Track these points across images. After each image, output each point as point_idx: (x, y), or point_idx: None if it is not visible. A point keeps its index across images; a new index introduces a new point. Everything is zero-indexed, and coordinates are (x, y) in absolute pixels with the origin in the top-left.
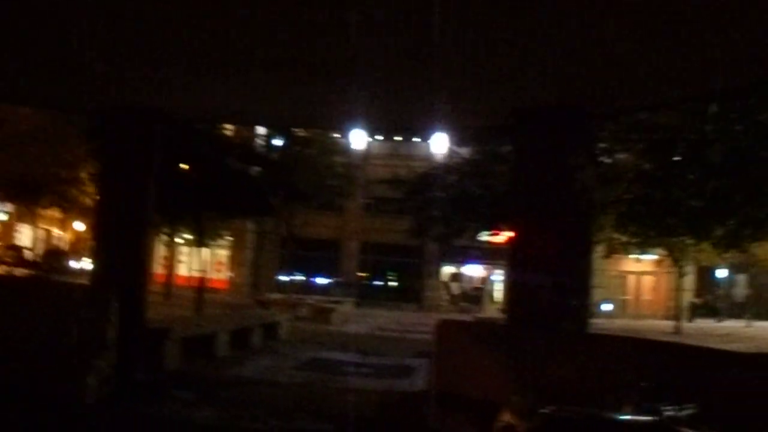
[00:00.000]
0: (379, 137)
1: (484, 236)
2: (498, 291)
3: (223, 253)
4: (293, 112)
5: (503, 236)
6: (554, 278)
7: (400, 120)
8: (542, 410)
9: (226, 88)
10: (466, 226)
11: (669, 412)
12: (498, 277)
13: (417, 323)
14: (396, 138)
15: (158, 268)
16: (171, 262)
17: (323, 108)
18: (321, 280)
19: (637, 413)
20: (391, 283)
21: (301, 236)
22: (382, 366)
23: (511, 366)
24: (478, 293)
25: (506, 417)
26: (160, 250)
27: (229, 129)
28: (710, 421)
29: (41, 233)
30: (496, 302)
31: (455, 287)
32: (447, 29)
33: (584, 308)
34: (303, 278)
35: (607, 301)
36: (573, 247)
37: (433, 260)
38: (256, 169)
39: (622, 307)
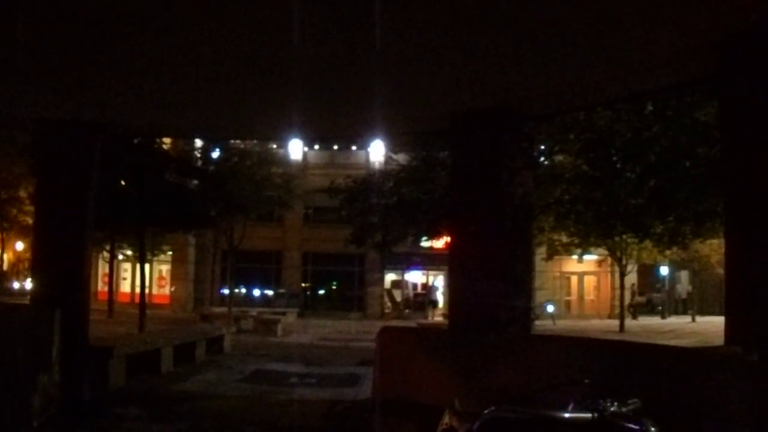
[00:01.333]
0: (317, 146)
1: (426, 242)
2: (441, 296)
3: (164, 268)
4: (229, 123)
5: (443, 241)
6: (495, 281)
7: (338, 128)
8: (484, 411)
9: (162, 100)
10: (406, 232)
11: (612, 408)
12: (440, 282)
13: (361, 331)
14: (334, 147)
15: (100, 286)
16: (113, 278)
17: (259, 118)
18: (264, 292)
19: (579, 410)
20: (334, 293)
21: (242, 248)
22: (327, 375)
23: (454, 370)
24: (421, 299)
25: (447, 420)
26: (101, 267)
27: (167, 142)
28: (654, 416)
29: None
30: (440, 308)
31: (398, 294)
32: (384, 35)
33: (526, 310)
34: (246, 290)
35: (549, 302)
36: (513, 250)
37: (375, 268)
38: (194, 182)
39: (565, 308)
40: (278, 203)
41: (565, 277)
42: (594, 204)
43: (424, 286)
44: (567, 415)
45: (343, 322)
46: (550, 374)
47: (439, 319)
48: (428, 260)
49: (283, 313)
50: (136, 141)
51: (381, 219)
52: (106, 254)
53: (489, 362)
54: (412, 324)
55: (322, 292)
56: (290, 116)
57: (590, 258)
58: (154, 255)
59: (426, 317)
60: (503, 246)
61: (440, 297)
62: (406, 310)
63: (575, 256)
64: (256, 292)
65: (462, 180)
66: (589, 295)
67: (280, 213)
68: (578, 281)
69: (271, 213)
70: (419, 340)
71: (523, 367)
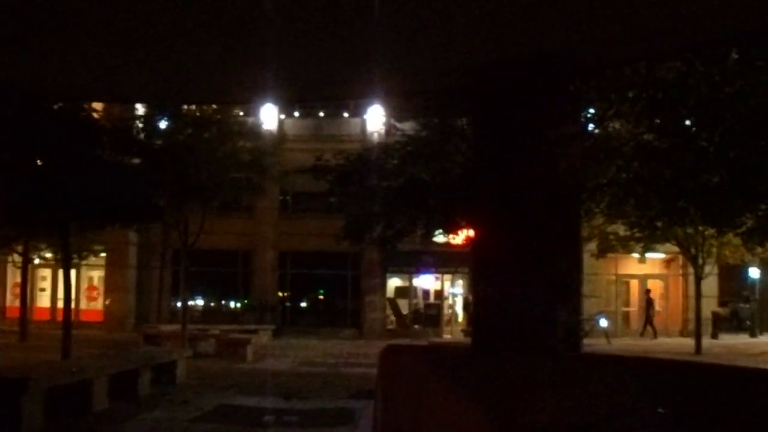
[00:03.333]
0: (297, 113)
1: (440, 237)
2: (460, 307)
3: (97, 275)
4: (182, 82)
5: (463, 236)
6: (532, 286)
7: (324, 86)
8: None
9: (91, 52)
10: (414, 224)
11: None
12: (459, 289)
13: (356, 353)
14: (319, 113)
15: (9, 299)
16: (27, 290)
17: (223, 75)
18: (229, 304)
19: None
20: (321, 304)
21: (200, 247)
22: (313, 412)
23: (481, 401)
24: (434, 311)
25: None
26: (11, 275)
27: (98, 109)
28: None
29: None
30: (459, 322)
31: (404, 305)
32: None
33: (574, 324)
34: (205, 302)
35: (602, 314)
36: (555, 246)
37: (375, 271)
38: (135, 161)
39: (623, 321)
40: (247, 187)
41: (623, 281)
42: (660, 184)
43: (439, 294)
44: None
45: (332, 342)
46: (609, 405)
47: (458, 337)
48: (443, 260)
49: (254, 332)
50: (56, 107)
51: (382, 207)
52: (17, 258)
53: (527, 391)
54: (423, 343)
55: (305, 303)
56: (262, 70)
57: (655, 256)
58: (82, 258)
59: (441, 334)
60: (543, 240)
61: (459, 308)
62: (415, 326)
63: (636, 254)
64: (219, 305)
65: (488, 155)
66: (655, 304)
67: (249, 200)
68: (640, 287)
69: (238, 200)
70: (434, 362)
71: (574, 396)
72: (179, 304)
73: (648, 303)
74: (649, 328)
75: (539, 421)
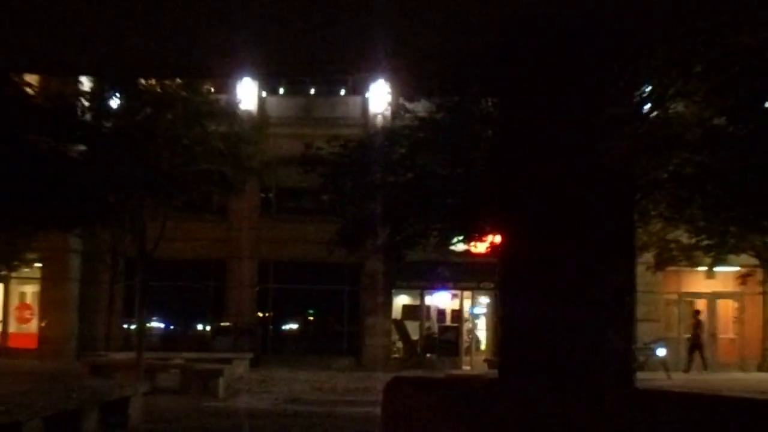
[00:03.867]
0: (282, 90)
1: (459, 245)
2: (484, 331)
3: (30, 291)
4: (136, 50)
5: (488, 243)
6: (574, 307)
7: (317, 51)
8: None
9: (18, 11)
10: (427, 228)
11: None
12: (482, 309)
13: (354, 388)
14: (309, 91)
15: None
16: None
17: (189, 40)
18: (196, 327)
19: None
20: (311, 327)
21: (161, 257)
22: None
23: None
24: (450, 336)
25: None
26: None
27: (33, 83)
28: None
29: None
30: (482, 350)
31: (414, 329)
32: None
33: (625, 354)
34: (166, 325)
35: (661, 342)
36: (603, 256)
37: (378, 287)
38: (79, 148)
39: (686, 350)
40: (220, 182)
41: (687, 300)
42: (734, 180)
43: (457, 315)
44: None
45: (325, 374)
46: None
47: (475, 367)
48: (463, 274)
49: (228, 361)
50: None
51: (387, 207)
52: None
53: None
54: (437, 375)
55: (291, 326)
56: (238, 31)
57: (728, 270)
58: (11, 269)
59: (459, 365)
60: (588, 249)
61: (482, 332)
62: (428, 355)
63: (703, 268)
64: (184, 328)
65: (518, 142)
66: (727, 331)
67: (223, 198)
68: (708, 308)
69: (209, 198)
70: (451, 400)
71: None
72: (134, 327)
73: (696, 327)
74: (696, 356)
75: None
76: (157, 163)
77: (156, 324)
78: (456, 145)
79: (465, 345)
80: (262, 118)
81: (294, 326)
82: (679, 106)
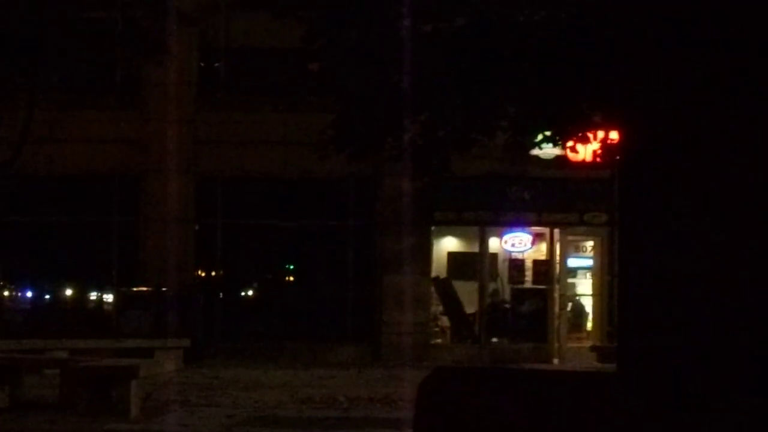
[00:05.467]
0: None
1: (545, 147)
2: (589, 298)
3: None
4: None
5: (596, 144)
6: (751, 255)
7: None
8: None
9: None
10: (491, 115)
11: None
12: (587, 260)
13: (367, 397)
14: None
15: None
16: None
17: None
18: (90, 296)
19: None
20: (289, 294)
21: (28, 172)
22: None
23: None
24: (533, 306)
25: None
26: None
27: None
28: None
29: None
30: (587, 330)
31: (470, 294)
32: None
33: None
34: (38, 291)
35: None
36: None
37: (405, 222)
38: None
39: None
40: (127, 40)
41: None
42: None
43: (543, 269)
44: None
45: (315, 374)
46: None
47: (576, 357)
48: (553, 197)
49: (147, 353)
50: None
51: (421, 77)
52: None
53: None
54: (511, 368)
55: (255, 292)
56: None
57: None
58: None
59: (550, 354)
60: None
61: (587, 301)
62: (494, 339)
63: None
64: (72, 296)
65: None
66: None
67: (133, 70)
68: None
69: (109, 72)
70: (538, 409)
71: None
72: None
73: None
74: None
75: None
76: (16, 6)
77: (19, 292)
78: None
79: (558, 322)
80: None
81: (260, 292)
82: None
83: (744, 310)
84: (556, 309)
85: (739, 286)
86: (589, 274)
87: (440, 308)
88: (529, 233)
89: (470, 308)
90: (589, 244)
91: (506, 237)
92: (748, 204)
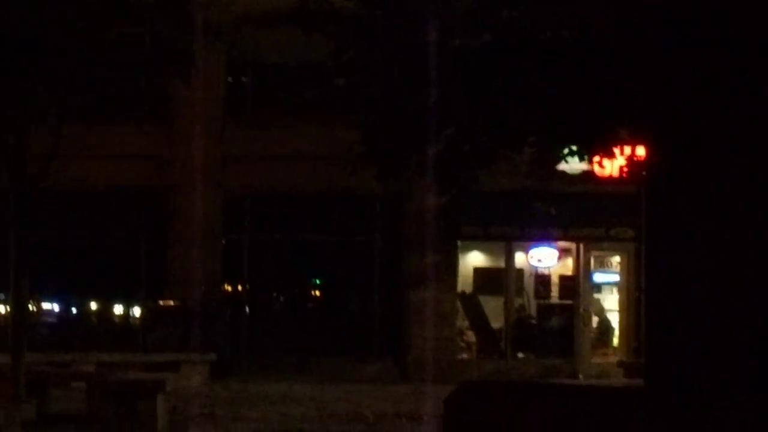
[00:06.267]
0: None
1: (571, 162)
2: (616, 313)
3: None
4: None
5: (623, 161)
6: None
7: None
8: None
9: None
10: (518, 132)
11: None
12: (613, 275)
13: (393, 413)
14: None
15: None
16: None
17: None
18: (118, 310)
19: None
20: (315, 308)
21: (55, 189)
22: None
23: None
24: (559, 322)
25: None
26: None
27: None
28: None
29: None
30: (614, 345)
31: (496, 310)
32: None
33: None
34: (65, 305)
35: None
36: None
37: (431, 237)
38: None
39: None
40: (154, 57)
41: None
42: None
43: (570, 284)
44: None
45: (343, 389)
46: None
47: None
48: (579, 212)
49: (174, 367)
50: None
51: (448, 93)
52: None
53: None
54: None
55: (281, 307)
56: None
57: None
58: None
59: (576, 369)
60: None
61: (614, 316)
62: (519, 354)
63: None
64: (99, 311)
65: None
66: None
67: (161, 88)
68: None
69: (137, 90)
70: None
71: None
72: (5, 310)
73: None
74: None
75: None
76: (43, 25)
77: (47, 305)
78: None
79: (585, 337)
80: None
81: (286, 307)
82: None
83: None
84: (582, 324)
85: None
86: (615, 290)
87: (466, 323)
88: (555, 248)
89: (496, 323)
90: (616, 259)
91: (532, 252)
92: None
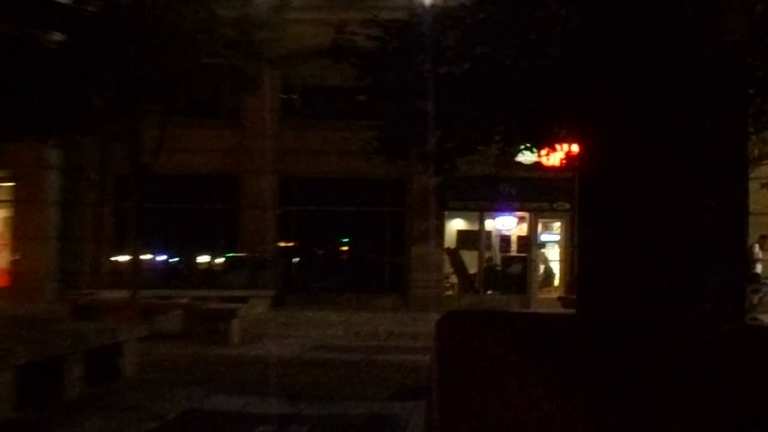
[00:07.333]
0: None
1: (526, 155)
2: (557, 263)
3: None
4: None
5: (562, 153)
6: (673, 232)
7: None
8: None
9: None
10: (487, 133)
11: None
12: (556, 236)
13: (399, 332)
14: None
15: None
16: None
17: None
18: (203, 259)
19: None
20: (345, 259)
21: (160, 173)
22: (335, 419)
23: (586, 397)
24: (517, 269)
25: None
26: None
27: None
28: None
29: None
30: (555, 286)
31: (472, 260)
32: None
33: (733, 290)
34: (167, 257)
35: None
36: (707, 169)
37: (427, 209)
38: (56, 39)
39: None
40: (230, 79)
41: None
42: None
43: (525, 243)
44: None
45: (363, 316)
46: None
47: (546, 306)
48: (531, 192)
49: (244, 300)
50: None
51: (438, 105)
52: None
53: (675, 386)
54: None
55: (320, 257)
56: None
57: None
58: None
59: (528, 303)
60: (689, 159)
61: (555, 265)
62: (489, 291)
63: None
64: (189, 260)
65: (604, 20)
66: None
67: (234, 100)
68: None
69: (217, 101)
70: (518, 339)
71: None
72: (127, 260)
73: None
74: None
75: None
76: (153, 57)
77: (154, 256)
78: (523, 29)
79: (535, 280)
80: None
81: (324, 257)
82: None
83: (659, 269)
84: (534, 271)
85: (658, 255)
86: (556, 246)
87: (451, 270)
88: (514, 216)
89: (472, 270)
90: (557, 224)
91: (498, 219)
92: (664, 197)
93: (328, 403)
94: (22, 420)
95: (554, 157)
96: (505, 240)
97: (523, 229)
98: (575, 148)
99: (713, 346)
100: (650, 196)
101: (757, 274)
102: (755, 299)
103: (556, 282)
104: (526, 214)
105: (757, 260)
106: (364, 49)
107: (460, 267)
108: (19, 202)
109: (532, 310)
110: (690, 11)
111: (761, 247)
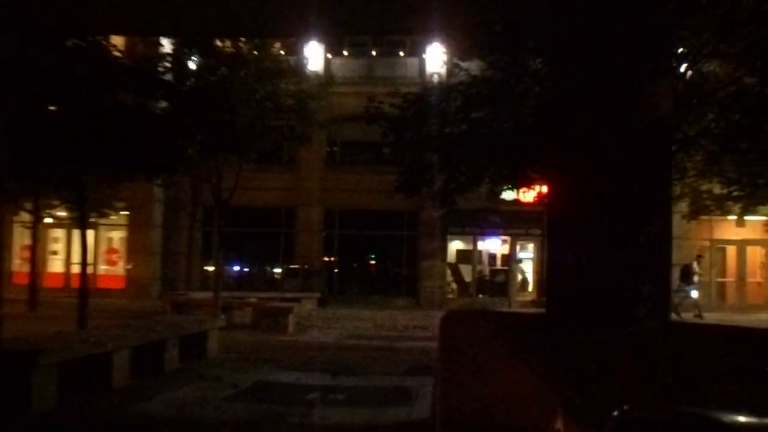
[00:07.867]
0: (346, 52)
1: (508, 194)
2: (531, 274)
3: (117, 236)
4: (214, 11)
5: (535, 192)
6: (615, 252)
7: (377, 14)
8: (612, 411)
9: None
10: (479, 176)
11: None
12: (530, 254)
13: (412, 325)
14: (371, 53)
15: (17, 264)
16: (37, 253)
17: (261, 2)
18: (268, 269)
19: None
20: (372, 269)
21: (236, 204)
22: (363, 389)
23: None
24: (501, 279)
25: (559, 424)
26: (19, 236)
27: (119, 45)
28: None
29: None
30: (529, 291)
31: (467, 271)
32: None
33: (660, 296)
34: (241, 267)
35: (694, 286)
36: (641, 205)
37: (434, 233)
38: (162, 105)
39: (718, 294)
40: (289, 136)
41: (718, 248)
42: (763, 138)
43: (506, 259)
44: (745, 419)
45: (385, 313)
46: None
47: (523, 306)
48: (512, 221)
49: (297, 300)
50: (70, 43)
51: (443, 156)
52: (26, 217)
53: (607, 362)
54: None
55: (354, 269)
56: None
57: (757, 219)
58: (101, 216)
59: (509, 304)
60: (629, 198)
61: (530, 275)
62: (480, 295)
63: (733, 217)
64: (257, 270)
65: (565, 97)
66: (755, 275)
67: (291, 151)
68: (737, 254)
69: (279, 151)
70: (502, 330)
71: (668, 371)
72: (211, 269)
73: (686, 273)
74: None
75: (624, 383)
76: (232, 119)
77: (231, 266)
78: (507, 101)
79: (515, 286)
80: (327, 77)
81: (357, 269)
82: (712, 66)
83: (607, 278)
84: (513, 280)
85: (606, 268)
86: (530, 262)
87: (451, 279)
88: (499, 239)
89: (467, 279)
90: (531, 245)
91: (487, 241)
92: (611, 226)
93: (359, 377)
94: (136, 386)
95: (529, 195)
96: (492, 257)
97: (505, 249)
98: (545, 188)
99: (645, 336)
100: (600, 224)
101: (681, 283)
102: (677, 300)
103: (530, 288)
104: (508, 238)
105: (695, 273)
106: (389, 114)
107: (458, 277)
108: (132, 226)
109: (512, 309)
110: (629, 92)
111: (698, 264)
